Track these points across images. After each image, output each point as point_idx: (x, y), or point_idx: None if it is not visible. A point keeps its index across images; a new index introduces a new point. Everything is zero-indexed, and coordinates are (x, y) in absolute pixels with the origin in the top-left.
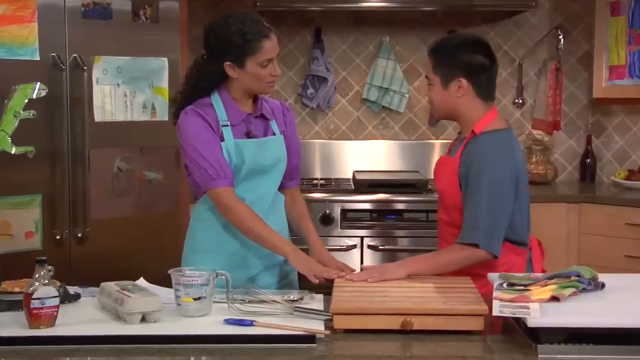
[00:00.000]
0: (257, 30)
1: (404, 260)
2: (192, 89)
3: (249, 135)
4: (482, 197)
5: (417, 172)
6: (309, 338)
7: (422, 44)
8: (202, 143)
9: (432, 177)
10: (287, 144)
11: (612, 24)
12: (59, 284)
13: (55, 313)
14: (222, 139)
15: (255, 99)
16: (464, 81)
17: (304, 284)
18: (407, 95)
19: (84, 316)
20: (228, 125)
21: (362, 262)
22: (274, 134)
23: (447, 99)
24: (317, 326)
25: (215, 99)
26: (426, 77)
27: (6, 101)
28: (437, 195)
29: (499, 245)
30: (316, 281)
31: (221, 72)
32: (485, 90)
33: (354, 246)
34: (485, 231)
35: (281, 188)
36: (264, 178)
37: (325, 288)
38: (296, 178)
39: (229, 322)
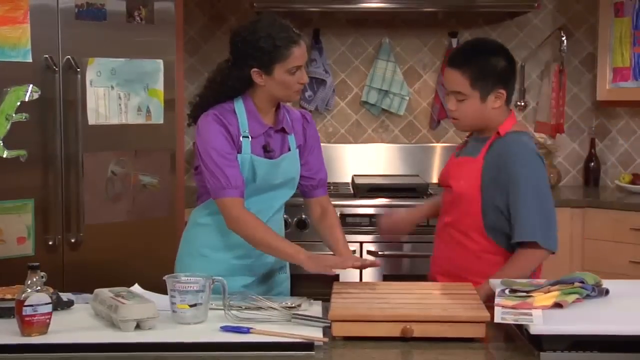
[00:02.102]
0: (287, 36)
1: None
2: (214, 94)
3: (266, 149)
4: (530, 197)
5: (418, 175)
6: (307, 346)
7: (423, 45)
8: (219, 152)
9: (433, 180)
10: (307, 158)
11: (616, 25)
12: (51, 290)
13: (47, 320)
14: (239, 151)
15: (277, 108)
16: (503, 92)
17: (302, 290)
18: (407, 98)
19: (77, 323)
20: (248, 137)
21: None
22: (290, 150)
23: (483, 111)
24: (315, 333)
25: (239, 107)
26: (455, 92)
27: None
28: (439, 198)
29: (555, 241)
30: (333, 272)
31: (247, 79)
32: (512, 95)
33: (354, 252)
34: (542, 230)
35: (309, 197)
36: (269, 195)
37: (324, 294)
38: (323, 187)
39: (225, 329)
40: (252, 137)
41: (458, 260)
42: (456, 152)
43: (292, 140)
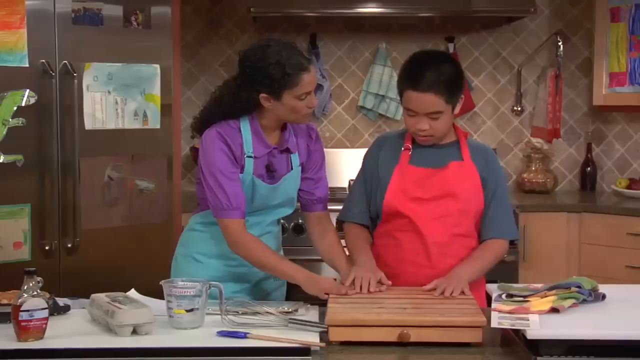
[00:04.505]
0: (297, 63)
1: (457, 271)
2: (220, 113)
3: (269, 168)
4: (507, 196)
5: None
6: (304, 350)
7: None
8: (221, 172)
9: None
10: (308, 174)
11: (612, 30)
12: (48, 295)
13: (44, 325)
14: (241, 170)
15: (283, 127)
16: (463, 96)
17: (298, 295)
18: None
19: (74, 328)
20: (252, 157)
21: None
22: (292, 168)
23: (452, 120)
24: (312, 338)
25: (245, 126)
26: (430, 113)
27: None
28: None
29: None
30: (325, 297)
31: (254, 101)
32: None
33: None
34: (514, 226)
35: (307, 211)
36: (267, 212)
37: (321, 299)
38: (322, 203)
39: (222, 334)
40: (255, 157)
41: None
42: (408, 163)
43: (295, 158)
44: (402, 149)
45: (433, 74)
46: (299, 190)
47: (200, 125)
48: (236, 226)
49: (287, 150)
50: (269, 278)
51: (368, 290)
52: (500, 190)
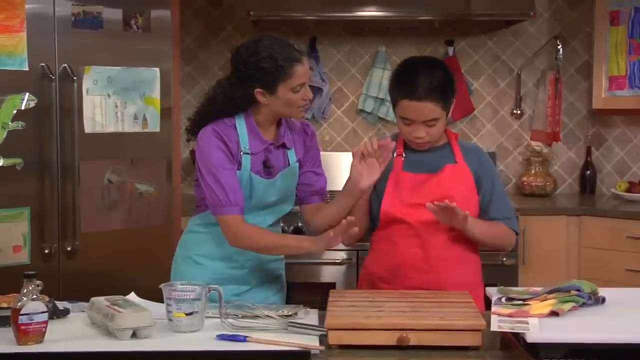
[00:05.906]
0: (289, 55)
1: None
2: (215, 112)
3: (265, 164)
4: (504, 194)
5: None
6: (304, 354)
7: (419, 53)
8: (218, 169)
9: None
10: (306, 169)
11: (611, 34)
12: (47, 299)
13: (43, 329)
14: (239, 167)
15: (278, 123)
16: (454, 99)
17: (298, 298)
18: None
19: (74, 332)
20: (248, 154)
21: (357, 276)
22: (289, 164)
23: (445, 125)
24: (311, 342)
25: (240, 123)
26: (428, 121)
27: None
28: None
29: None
30: (340, 241)
31: (250, 98)
32: None
33: (350, 259)
34: (513, 215)
35: (305, 203)
36: (265, 211)
37: (320, 302)
38: (320, 195)
39: (221, 337)
40: (252, 154)
41: (468, 267)
42: (402, 169)
43: (292, 154)
44: (395, 155)
45: (427, 81)
46: (298, 184)
47: (195, 127)
48: (235, 221)
49: (284, 146)
50: (269, 281)
51: (373, 148)
52: (497, 190)
